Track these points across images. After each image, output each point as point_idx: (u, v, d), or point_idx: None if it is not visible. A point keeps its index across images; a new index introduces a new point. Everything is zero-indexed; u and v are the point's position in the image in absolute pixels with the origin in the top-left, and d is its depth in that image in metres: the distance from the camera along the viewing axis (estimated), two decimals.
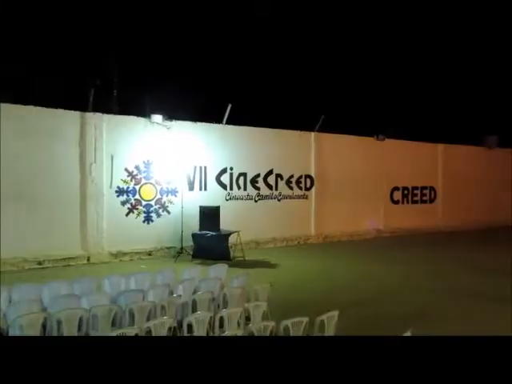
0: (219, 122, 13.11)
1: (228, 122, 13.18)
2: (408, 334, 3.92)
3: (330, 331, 4.55)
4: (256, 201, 13.89)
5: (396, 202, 17.22)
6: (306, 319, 4.36)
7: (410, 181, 17.62)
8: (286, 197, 14.51)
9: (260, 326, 4.24)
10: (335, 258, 11.69)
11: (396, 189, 17.23)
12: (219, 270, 6.96)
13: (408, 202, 17.60)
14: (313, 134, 15.02)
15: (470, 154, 19.23)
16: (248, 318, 5.01)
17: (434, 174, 18.35)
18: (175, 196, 12.30)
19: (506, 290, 8.07)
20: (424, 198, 18.09)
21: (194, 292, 5.82)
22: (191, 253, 11.28)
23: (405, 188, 17.47)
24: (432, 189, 18.31)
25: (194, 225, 11.50)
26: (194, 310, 5.22)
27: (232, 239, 11.48)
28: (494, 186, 19.42)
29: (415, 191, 17.82)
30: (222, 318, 4.67)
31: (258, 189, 13.94)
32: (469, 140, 18.87)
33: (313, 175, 15.08)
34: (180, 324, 4.78)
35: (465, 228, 17.75)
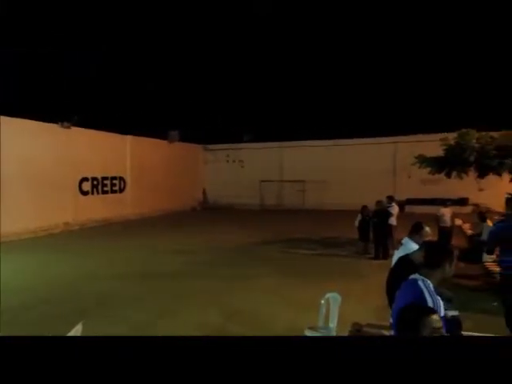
0: None
1: None
2: (79, 326, 3.73)
3: None
4: None
5: (85, 193, 16.72)
6: None
7: (100, 171, 17.48)
8: None
9: None
10: (8, 261, 10.08)
11: (85, 179, 16.71)
12: None
13: (98, 193, 17.41)
14: None
15: (155, 147, 20.95)
16: None
17: (123, 165, 18.90)
18: None
19: (171, 267, 9.22)
20: (114, 188, 18.37)
21: None
22: None
23: (94, 178, 17.18)
24: (122, 179, 18.82)
25: None
26: None
27: None
28: (174, 176, 21.94)
29: (105, 181, 17.83)
30: None
31: None
32: (155, 133, 20.50)
33: None
34: None
35: (151, 215, 19.37)
